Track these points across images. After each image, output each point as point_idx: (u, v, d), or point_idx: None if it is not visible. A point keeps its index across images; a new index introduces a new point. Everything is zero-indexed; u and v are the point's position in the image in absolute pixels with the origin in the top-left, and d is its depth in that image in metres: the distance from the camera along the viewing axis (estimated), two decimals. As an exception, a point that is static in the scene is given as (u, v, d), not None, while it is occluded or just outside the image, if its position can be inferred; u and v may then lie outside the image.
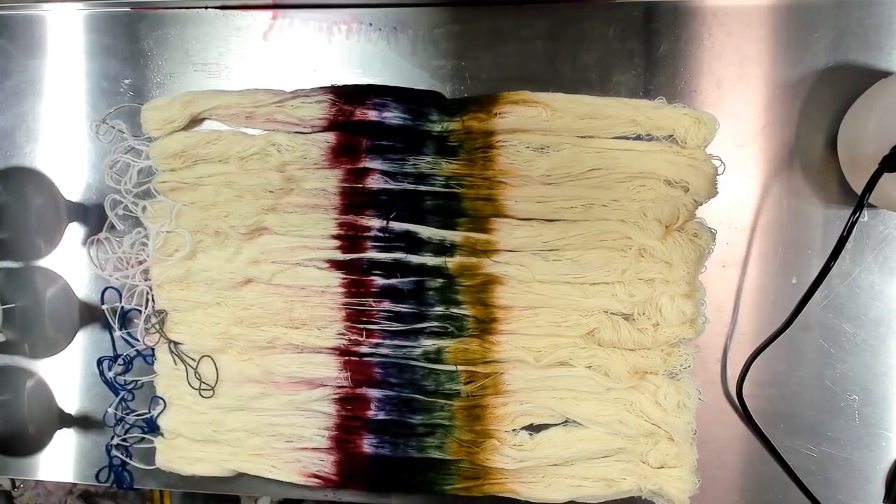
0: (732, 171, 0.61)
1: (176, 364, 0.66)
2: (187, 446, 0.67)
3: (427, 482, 0.64)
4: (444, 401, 0.63)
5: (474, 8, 0.63)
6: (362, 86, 0.63)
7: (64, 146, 0.68)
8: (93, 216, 0.68)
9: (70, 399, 0.70)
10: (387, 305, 0.62)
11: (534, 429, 0.64)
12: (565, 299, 0.61)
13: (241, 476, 0.67)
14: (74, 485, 1.23)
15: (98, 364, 0.69)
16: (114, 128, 0.67)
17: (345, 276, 0.63)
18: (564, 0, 0.62)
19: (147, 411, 0.68)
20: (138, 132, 0.66)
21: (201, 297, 0.65)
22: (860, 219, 0.57)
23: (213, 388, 0.66)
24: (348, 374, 0.63)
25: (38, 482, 1.21)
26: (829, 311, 0.62)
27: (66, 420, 0.70)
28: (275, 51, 0.66)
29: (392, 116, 0.61)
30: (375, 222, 0.62)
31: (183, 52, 0.66)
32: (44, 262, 0.70)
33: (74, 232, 0.69)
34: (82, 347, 0.70)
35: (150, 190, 0.65)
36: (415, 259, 0.62)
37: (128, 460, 0.69)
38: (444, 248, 0.62)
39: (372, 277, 0.62)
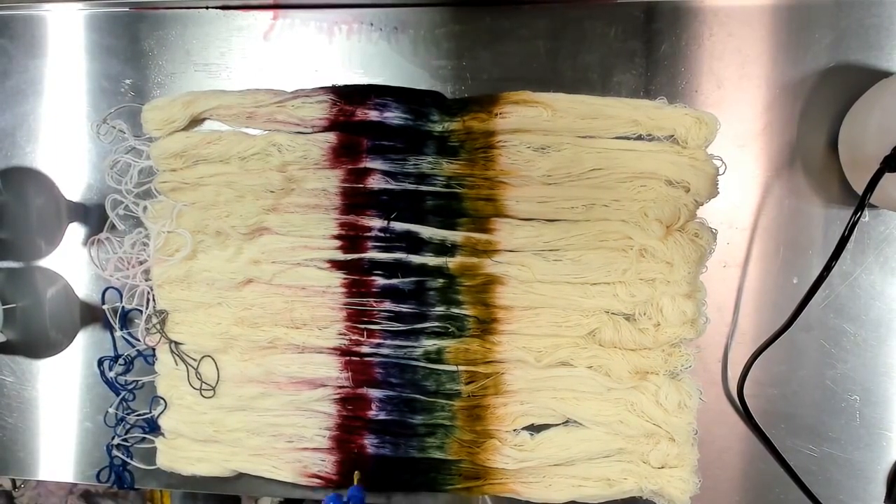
0: (733, 172, 0.61)
1: (177, 364, 0.66)
2: (188, 446, 0.67)
3: (428, 482, 0.64)
4: (444, 401, 0.63)
5: (475, 8, 0.63)
6: (363, 86, 0.63)
7: (65, 146, 0.68)
8: (93, 216, 0.68)
9: (70, 399, 0.70)
10: (388, 305, 0.62)
11: (534, 429, 0.64)
12: (566, 299, 0.61)
13: (241, 476, 0.67)
14: (75, 485, 1.23)
15: (99, 364, 0.69)
16: (114, 128, 0.67)
17: (346, 276, 0.63)
18: (565, 0, 0.62)
19: (148, 411, 0.68)
20: (139, 132, 0.66)
21: (202, 298, 0.65)
22: (861, 219, 0.57)
23: (213, 389, 0.66)
24: (349, 374, 0.63)
25: (38, 482, 1.21)
26: (829, 312, 0.62)
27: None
28: (276, 51, 0.66)
29: (393, 116, 0.61)
30: (376, 222, 0.62)
31: (184, 52, 0.66)
32: (44, 262, 0.70)
33: (75, 232, 0.69)
34: (83, 347, 0.70)
35: (150, 190, 0.65)
36: (416, 259, 0.62)
37: (128, 460, 0.69)
38: (444, 249, 0.62)
39: (373, 277, 0.62)
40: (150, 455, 0.68)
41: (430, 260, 0.61)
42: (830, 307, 0.62)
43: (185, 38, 0.66)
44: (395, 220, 0.62)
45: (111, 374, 0.68)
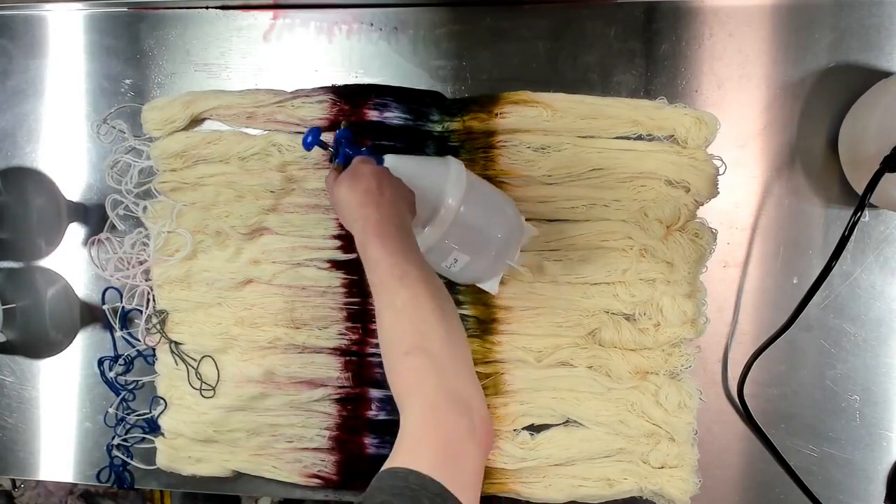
0: (733, 172, 0.61)
1: (177, 364, 0.66)
2: (188, 446, 0.67)
3: (428, 482, 0.64)
4: (444, 401, 0.63)
5: (475, 8, 0.63)
6: (363, 86, 0.63)
7: (65, 146, 0.68)
8: (93, 216, 0.68)
9: (70, 399, 0.70)
10: (388, 305, 0.62)
11: (535, 429, 0.64)
12: (566, 299, 0.61)
13: (241, 476, 0.67)
14: (75, 485, 1.23)
15: (99, 364, 0.69)
16: (115, 128, 0.67)
17: (346, 276, 0.63)
18: (565, 0, 0.62)
19: (148, 411, 0.68)
20: (139, 132, 0.66)
21: (202, 298, 0.65)
22: (861, 219, 0.57)
23: (213, 389, 0.66)
24: (349, 374, 0.63)
25: (38, 482, 1.21)
26: (829, 312, 0.62)
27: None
28: (276, 51, 0.66)
29: (393, 116, 0.61)
30: (376, 222, 0.62)
31: (184, 52, 0.66)
32: (44, 263, 0.70)
33: (75, 232, 0.69)
34: (83, 347, 0.70)
35: (150, 190, 0.65)
36: (416, 259, 0.62)
37: (128, 460, 0.69)
38: (445, 249, 0.62)
39: (373, 277, 0.62)
40: (150, 455, 0.68)
41: (431, 260, 0.61)
42: (830, 307, 0.62)
43: (185, 38, 0.66)
44: (395, 220, 0.61)
45: (111, 374, 0.68)
